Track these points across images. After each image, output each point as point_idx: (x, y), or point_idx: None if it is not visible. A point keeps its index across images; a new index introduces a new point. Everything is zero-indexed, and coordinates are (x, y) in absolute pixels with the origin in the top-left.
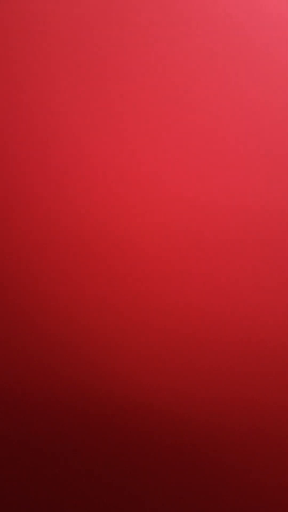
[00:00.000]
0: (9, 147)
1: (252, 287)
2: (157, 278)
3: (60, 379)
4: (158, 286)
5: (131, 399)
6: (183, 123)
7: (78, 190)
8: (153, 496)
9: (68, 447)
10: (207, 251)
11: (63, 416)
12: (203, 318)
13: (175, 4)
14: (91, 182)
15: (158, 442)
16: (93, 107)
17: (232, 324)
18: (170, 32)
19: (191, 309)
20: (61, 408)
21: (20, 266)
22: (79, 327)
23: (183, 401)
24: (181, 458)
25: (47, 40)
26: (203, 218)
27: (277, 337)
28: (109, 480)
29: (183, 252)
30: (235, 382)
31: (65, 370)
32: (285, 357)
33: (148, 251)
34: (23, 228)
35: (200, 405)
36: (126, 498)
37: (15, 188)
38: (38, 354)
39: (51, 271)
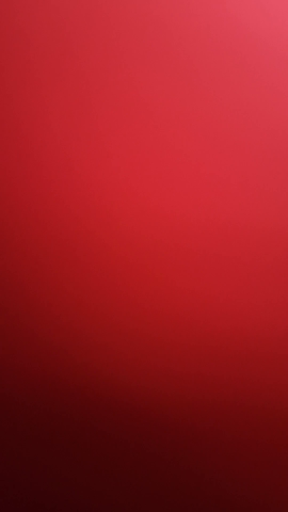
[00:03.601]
0: (6, 159)
1: (250, 294)
2: (156, 284)
3: (60, 382)
4: (157, 292)
5: (130, 401)
6: (182, 136)
7: (77, 199)
8: (152, 495)
9: (69, 449)
10: (206, 261)
11: (63, 418)
12: (201, 323)
13: (174, 13)
14: (89, 195)
15: (157, 444)
16: (89, 119)
17: (230, 329)
18: (169, 44)
19: (190, 316)
20: (61, 411)
21: (22, 275)
22: (79, 332)
23: (182, 404)
24: (180, 459)
25: (43, 55)
26: (201, 231)
27: (274, 339)
28: (108, 484)
29: (181, 261)
30: (233, 385)
31: (65, 374)
32: (283, 360)
33: (148, 258)
34: (23, 238)
35: (198, 408)
36: (126, 499)
37: (15, 199)
38: (38, 357)
39: (52, 280)
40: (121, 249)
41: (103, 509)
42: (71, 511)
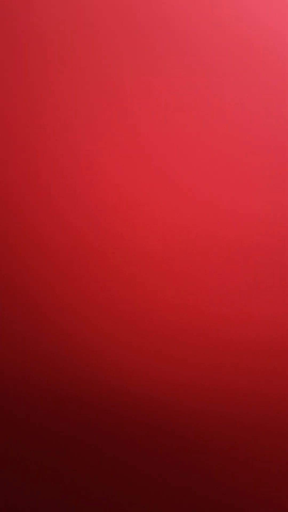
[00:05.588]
0: (8, 153)
1: (250, 286)
2: (157, 276)
3: (60, 371)
4: (158, 283)
5: (131, 391)
6: (183, 131)
7: (79, 193)
8: (152, 486)
9: (68, 438)
10: (207, 253)
11: (63, 407)
12: (201, 313)
13: (175, 14)
14: (91, 187)
15: (157, 433)
16: (93, 114)
17: (230, 319)
18: (170, 42)
19: (190, 306)
20: (62, 400)
21: (22, 270)
22: (80, 321)
23: (182, 393)
24: (181, 450)
25: (46, 47)
26: (203, 225)
27: (274, 332)
28: (108, 475)
29: (183, 253)
30: (233, 375)
31: (65, 362)
32: (282, 352)
33: (149, 250)
34: (25, 229)
35: (199, 398)
36: (126, 490)
37: (18, 192)
38: (39, 347)
39: (53, 269)
40: (121, 254)
41: (104, 498)
42: (72, 498)
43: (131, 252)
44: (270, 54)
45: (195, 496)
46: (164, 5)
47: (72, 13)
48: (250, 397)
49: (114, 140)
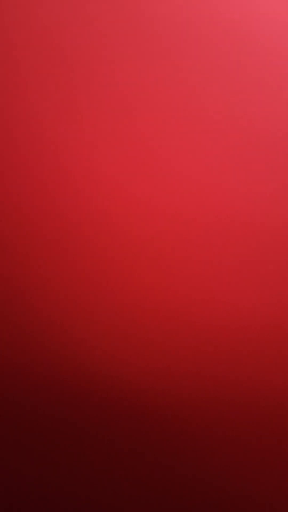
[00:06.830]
0: (6, 150)
1: (252, 290)
2: (155, 267)
3: (58, 361)
4: (156, 274)
5: (129, 379)
6: (183, 128)
7: (76, 183)
8: (152, 480)
9: (68, 433)
10: (206, 256)
11: (62, 398)
12: (200, 304)
13: (173, 12)
14: (89, 178)
15: (156, 439)
16: (91, 104)
17: (230, 325)
18: (169, 30)
19: (190, 311)
20: (60, 390)
21: (19, 274)
22: (77, 311)
23: (181, 381)
24: (180, 444)
25: (44, 49)
26: (202, 226)
27: (276, 335)
28: (108, 461)
29: (181, 245)
30: (232, 362)
31: (63, 353)
32: (282, 338)
33: (147, 241)
34: (20, 235)
35: (198, 385)
36: (125, 484)
37: (15, 182)
38: (37, 338)
39: (50, 277)
40: (120, 245)
41: (103, 503)
42: (70, 506)
43: (129, 243)
44: (273, 41)
45: (195, 484)
46: (161, 9)
47: (71, 6)
48: (250, 384)
49: (113, 128)
